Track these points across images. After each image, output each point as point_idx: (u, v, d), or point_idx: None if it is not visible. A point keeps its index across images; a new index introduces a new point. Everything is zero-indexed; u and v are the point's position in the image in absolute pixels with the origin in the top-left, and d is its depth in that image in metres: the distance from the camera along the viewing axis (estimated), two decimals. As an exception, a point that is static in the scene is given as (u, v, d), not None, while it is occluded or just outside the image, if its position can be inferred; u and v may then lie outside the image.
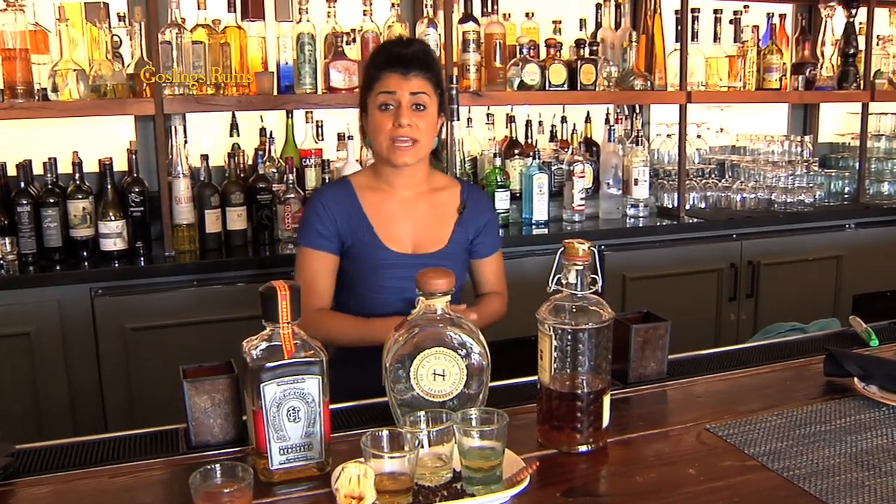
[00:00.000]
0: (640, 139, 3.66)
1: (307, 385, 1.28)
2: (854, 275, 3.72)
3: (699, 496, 1.24)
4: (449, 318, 1.39)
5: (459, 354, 1.37)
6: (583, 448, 1.38)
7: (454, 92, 3.05)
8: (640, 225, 3.50)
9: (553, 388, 1.38)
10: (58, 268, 2.71)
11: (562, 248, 1.37)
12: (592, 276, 1.38)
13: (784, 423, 1.48)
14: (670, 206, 3.64)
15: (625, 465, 1.37)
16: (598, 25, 3.64)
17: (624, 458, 1.39)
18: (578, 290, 1.37)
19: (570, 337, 1.36)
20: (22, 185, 2.71)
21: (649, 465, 1.35)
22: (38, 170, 2.83)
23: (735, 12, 3.68)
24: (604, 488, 1.32)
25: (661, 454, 1.39)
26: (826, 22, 3.90)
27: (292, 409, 1.28)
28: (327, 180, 3.04)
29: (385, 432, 1.24)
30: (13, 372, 2.56)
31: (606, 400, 1.40)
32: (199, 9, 2.85)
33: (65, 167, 2.83)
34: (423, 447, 1.26)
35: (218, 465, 1.15)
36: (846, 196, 4.01)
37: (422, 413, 1.30)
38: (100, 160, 2.83)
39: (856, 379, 1.61)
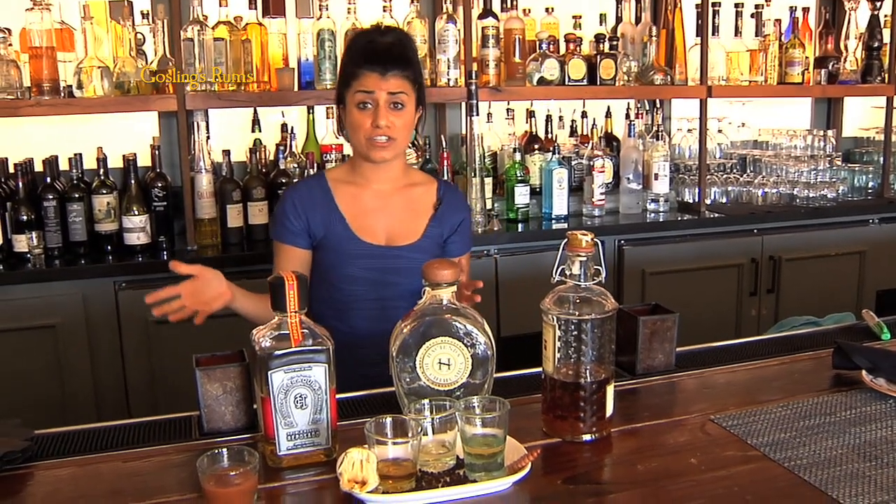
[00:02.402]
0: (660, 134, 3.65)
1: (314, 372, 1.31)
2: (878, 270, 3.69)
3: (699, 485, 1.25)
4: (454, 308, 1.41)
5: (465, 344, 1.40)
6: (586, 437, 1.40)
7: (473, 87, 3.07)
8: (661, 220, 3.48)
9: (557, 377, 1.40)
10: (83, 261, 2.76)
11: (565, 240, 1.39)
12: (596, 267, 1.39)
13: (789, 415, 1.48)
14: (691, 200, 3.63)
15: (628, 453, 1.39)
16: (619, 20, 3.64)
17: (627, 447, 1.41)
18: (582, 280, 1.39)
19: (573, 327, 1.38)
20: (48, 180, 2.78)
21: (652, 455, 1.36)
22: (63, 165, 2.89)
23: (757, 6, 3.66)
24: (605, 476, 1.34)
25: (665, 444, 1.40)
26: (850, 15, 3.86)
27: (299, 396, 1.31)
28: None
29: (388, 419, 1.26)
30: (39, 363, 2.63)
31: (610, 389, 1.41)
32: (220, 6, 2.89)
33: (90, 163, 2.89)
34: (426, 435, 1.28)
35: (225, 450, 1.19)
36: (870, 191, 3.97)
37: (426, 401, 1.33)
38: (124, 156, 2.88)
39: (864, 372, 1.61)
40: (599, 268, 1.39)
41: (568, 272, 1.40)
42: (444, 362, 1.39)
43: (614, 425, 1.45)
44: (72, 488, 1.29)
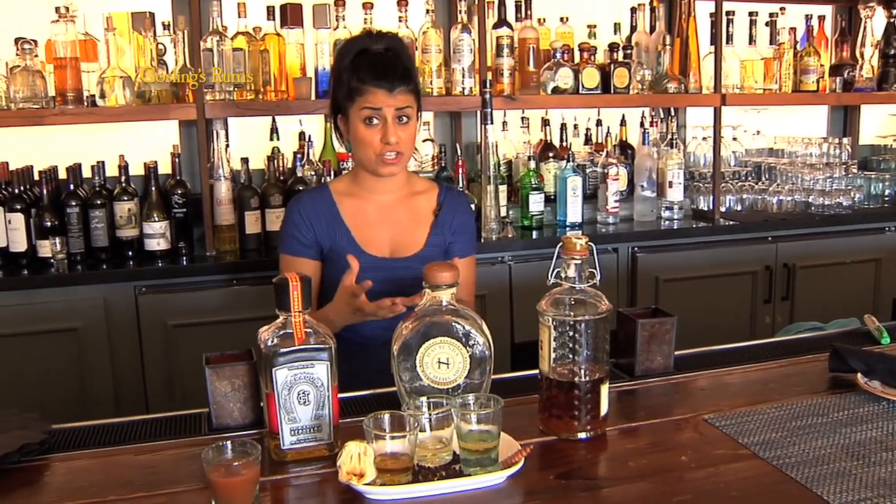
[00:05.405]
0: (675, 142, 3.68)
1: (316, 370, 1.36)
2: (893, 278, 3.68)
3: (688, 481, 1.29)
4: (454, 309, 1.45)
5: (463, 344, 1.44)
6: (581, 435, 1.44)
7: (488, 96, 3.11)
8: (675, 227, 3.50)
9: (553, 377, 1.44)
10: (104, 266, 2.83)
11: (560, 244, 1.43)
12: (591, 269, 1.43)
13: (782, 416, 1.51)
14: (705, 208, 3.65)
15: (621, 451, 1.42)
16: (633, 29, 3.68)
17: (621, 446, 1.44)
18: (577, 283, 1.43)
19: (568, 328, 1.42)
20: (71, 187, 2.86)
21: (644, 453, 1.40)
22: (86, 173, 2.97)
23: (771, 14, 3.68)
24: (597, 472, 1.37)
25: (658, 442, 1.44)
26: (866, 22, 3.88)
27: (302, 393, 1.36)
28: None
29: (387, 415, 1.31)
30: (62, 365, 2.70)
31: (604, 389, 1.45)
32: (239, 17, 2.97)
33: (112, 170, 2.97)
34: (424, 431, 1.33)
35: (229, 442, 1.24)
36: (887, 198, 3.96)
37: (424, 398, 1.37)
38: (145, 163, 2.96)
39: (859, 374, 1.63)
40: (594, 270, 1.43)
41: (563, 275, 1.44)
42: (443, 361, 1.44)
43: (610, 424, 1.49)
44: (85, 478, 1.35)
